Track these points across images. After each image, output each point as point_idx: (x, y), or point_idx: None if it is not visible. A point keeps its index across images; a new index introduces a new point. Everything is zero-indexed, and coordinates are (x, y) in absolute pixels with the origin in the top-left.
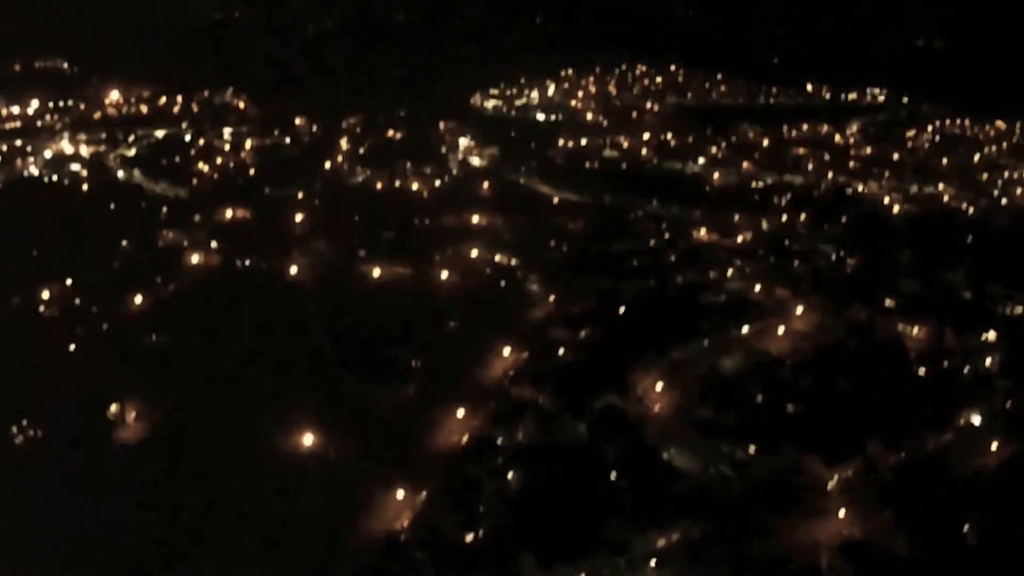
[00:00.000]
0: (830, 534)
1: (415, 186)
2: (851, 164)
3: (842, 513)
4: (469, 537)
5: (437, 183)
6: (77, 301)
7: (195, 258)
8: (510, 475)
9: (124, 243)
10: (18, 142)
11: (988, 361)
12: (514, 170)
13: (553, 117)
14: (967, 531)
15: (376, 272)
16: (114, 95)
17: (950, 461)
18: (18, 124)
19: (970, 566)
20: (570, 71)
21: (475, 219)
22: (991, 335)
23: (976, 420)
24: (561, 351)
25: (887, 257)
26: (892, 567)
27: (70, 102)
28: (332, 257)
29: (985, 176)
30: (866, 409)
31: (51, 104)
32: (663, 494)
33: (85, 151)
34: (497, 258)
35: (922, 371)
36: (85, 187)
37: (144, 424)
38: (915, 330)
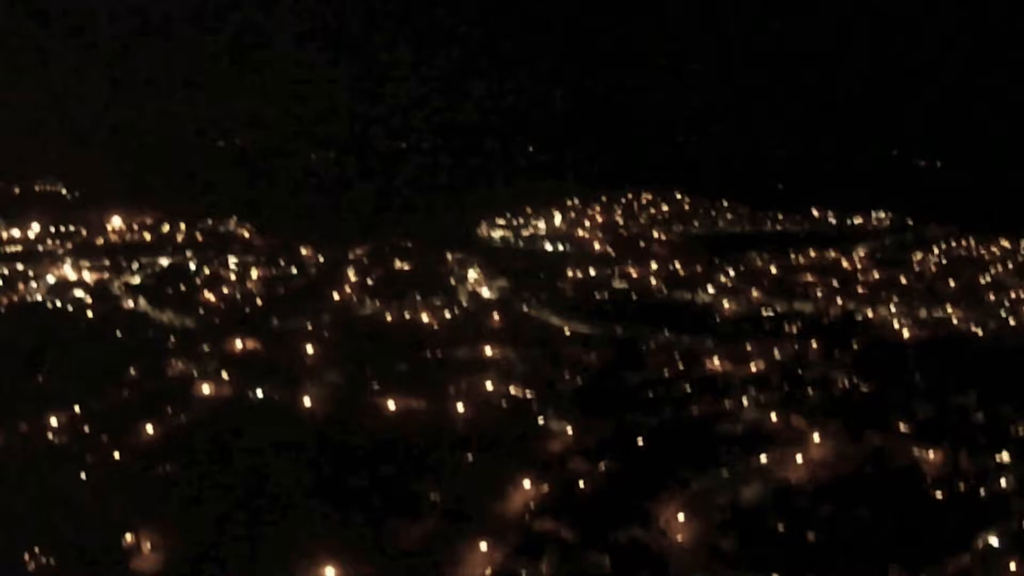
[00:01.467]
0: None
1: (425, 317)
2: (859, 289)
3: None
4: None
5: (447, 314)
6: (86, 429)
7: (205, 388)
8: None
9: (132, 371)
10: (19, 266)
11: (1003, 482)
12: (524, 301)
13: (560, 247)
14: None
15: (391, 404)
16: (116, 221)
17: None
18: (19, 248)
19: None
20: (576, 200)
21: (487, 351)
22: (1005, 456)
23: (994, 541)
24: (581, 484)
25: (899, 382)
26: None
27: (71, 227)
28: (345, 389)
29: (992, 297)
30: (886, 535)
31: (52, 228)
32: None
33: (88, 277)
34: (512, 390)
35: (939, 495)
36: (90, 314)
37: (161, 555)
38: (930, 454)
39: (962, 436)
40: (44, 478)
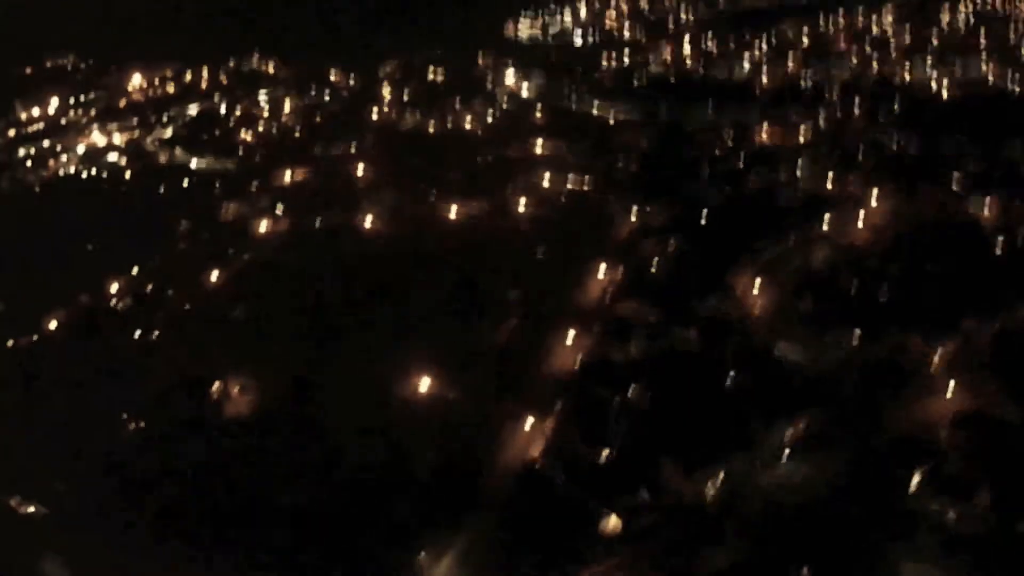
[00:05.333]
0: (943, 408)
1: (468, 123)
2: (892, 50)
3: (951, 387)
4: (605, 454)
5: (490, 117)
6: (149, 288)
7: (263, 225)
8: (631, 389)
9: (184, 223)
10: (45, 143)
11: None
12: (563, 95)
13: (591, 37)
14: None
15: (452, 212)
16: (136, 79)
17: None
18: (41, 125)
19: None
20: None
21: (538, 148)
22: None
23: None
24: (654, 264)
25: (945, 139)
26: (1005, 434)
27: (91, 94)
28: (403, 204)
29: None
30: (955, 285)
31: (72, 99)
32: (781, 389)
33: (119, 139)
34: (569, 183)
35: (999, 246)
36: (127, 175)
37: (252, 396)
38: (985, 207)
39: (1013, 186)
40: (116, 344)
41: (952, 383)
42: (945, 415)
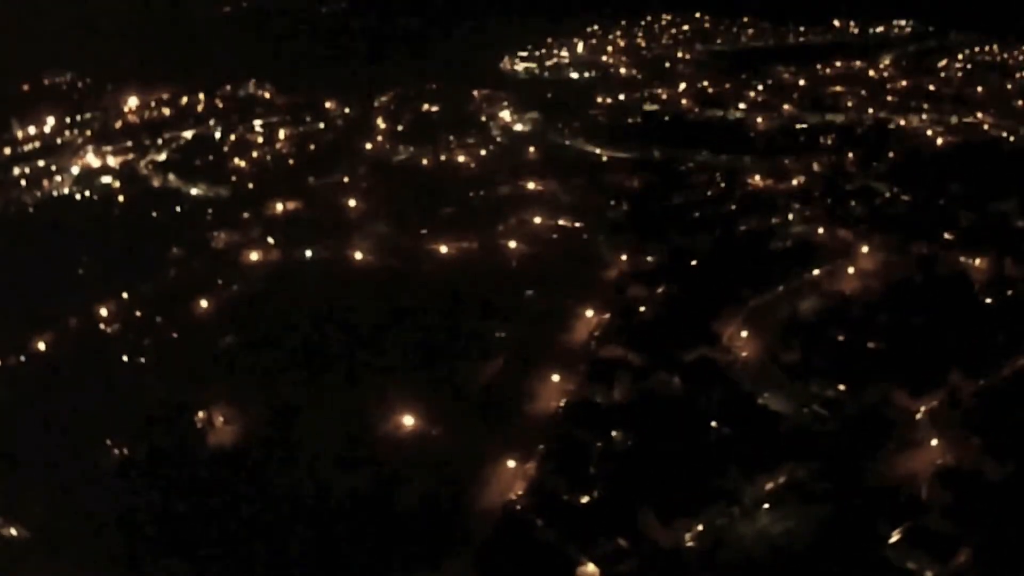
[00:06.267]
0: (925, 464)
1: (461, 158)
2: (889, 98)
3: (934, 443)
4: (585, 499)
5: (483, 153)
6: (138, 314)
7: (253, 255)
8: (614, 434)
9: (175, 249)
10: (40, 162)
11: None
12: (558, 132)
13: (587, 75)
14: None
15: (442, 248)
16: (132, 101)
17: None
18: (37, 144)
19: None
20: (596, 27)
21: (530, 185)
22: None
23: None
24: (642, 308)
25: (939, 190)
26: (986, 491)
27: (88, 115)
28: (394, 238)
29: (1021, 102)
30: (942, 341)
31: (68, 119)
32: (764, 439)
33: (113, 162)
34: (561, 222)
35: (989, 300)
36: (121, 198)
37: (236, 428)
38: (976, 261)
39: (1005, 242)
40: (103, 369)
41: (935, 438)
42: (927, 470)
